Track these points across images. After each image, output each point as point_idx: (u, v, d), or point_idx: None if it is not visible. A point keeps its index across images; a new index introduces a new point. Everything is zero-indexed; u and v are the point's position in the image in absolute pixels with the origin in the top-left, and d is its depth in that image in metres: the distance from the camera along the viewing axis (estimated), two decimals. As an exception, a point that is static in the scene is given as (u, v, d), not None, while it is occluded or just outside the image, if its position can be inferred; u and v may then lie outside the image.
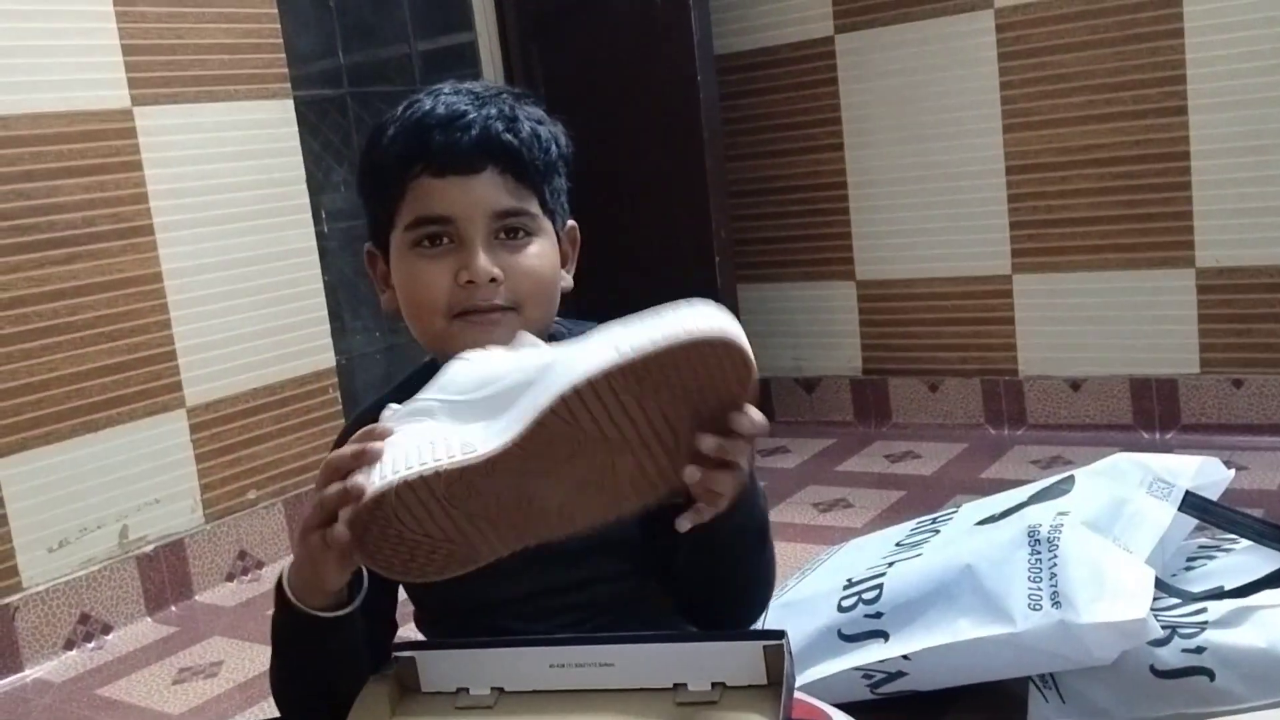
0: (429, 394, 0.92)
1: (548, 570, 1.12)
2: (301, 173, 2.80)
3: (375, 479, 0.86)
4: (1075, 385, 3.02)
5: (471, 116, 1.05)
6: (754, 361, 0.85)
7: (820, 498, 2.76)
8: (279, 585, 0.99)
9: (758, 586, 1.11)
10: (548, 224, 1.10)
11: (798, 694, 1.10)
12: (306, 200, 2.82)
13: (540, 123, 1.09)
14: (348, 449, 0.90)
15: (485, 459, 0.85)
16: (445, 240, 1.06)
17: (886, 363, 3.31)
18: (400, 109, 1.09)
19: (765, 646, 0.98)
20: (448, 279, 1.05)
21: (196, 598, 2.59)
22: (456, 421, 0.89)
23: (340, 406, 2.88)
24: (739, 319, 0.86)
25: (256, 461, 2.73)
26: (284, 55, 2.77)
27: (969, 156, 3.05)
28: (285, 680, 1.08)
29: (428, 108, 1.07)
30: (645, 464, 0.88)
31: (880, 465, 2.99)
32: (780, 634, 1.00)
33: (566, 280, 1.15)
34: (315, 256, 2.83)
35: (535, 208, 1.08)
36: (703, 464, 0.88)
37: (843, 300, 3.34)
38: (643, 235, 3.07)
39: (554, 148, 1.10)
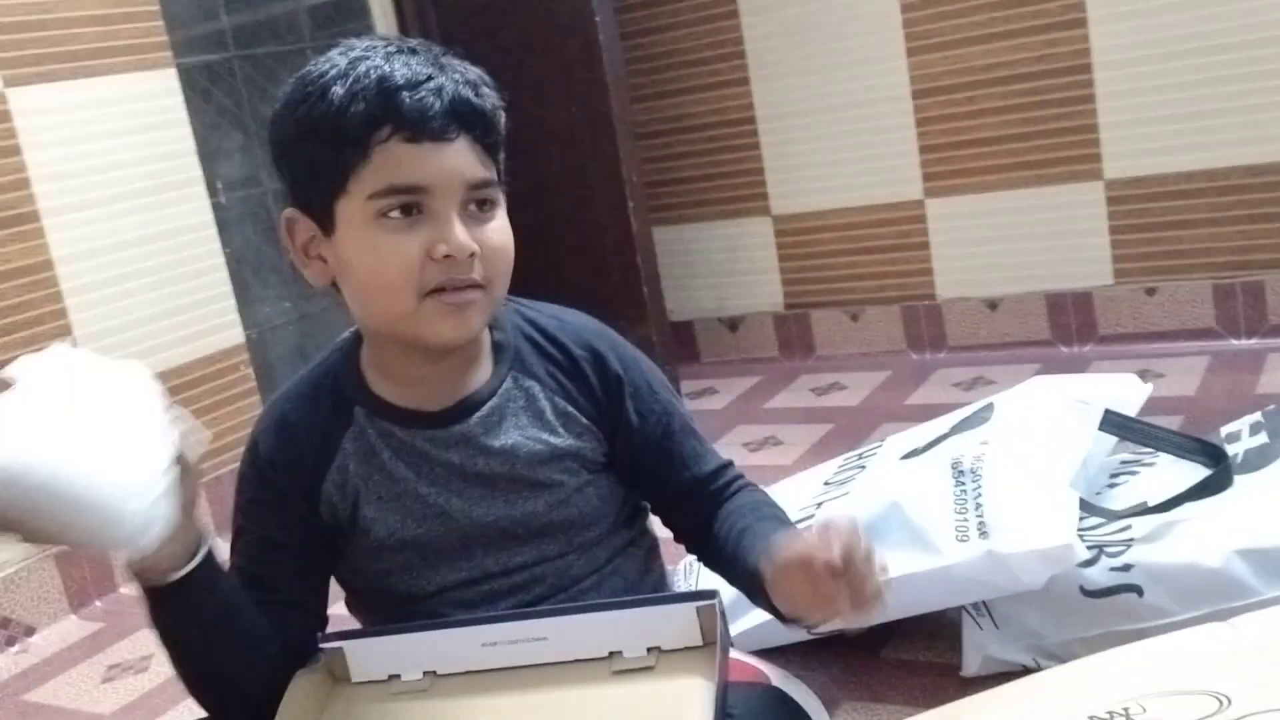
0: None
1: (488, 555, 1.09)
2: (191, 144, 2.70)
3: None
4: (993, 305, 3.04)
5: (440, 81, 1.00)
6: None
7: (750, 437, 2.76)
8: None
9: None
10: (502, 195, 1.07)
11: (733, 653, 1.09)
12: (199, 172, 2.71)
13: (489, 86, 1.06)
14: None
15: None
16: (415, 211, 1.00)
17: (807, 296, 3.30)
18: (338, 64, 1.00)
19: (698, 607, 0.98)
20: (419, 253, 0.99)
21: (121, 590, 2.52)
22: None
23: (254, 383, 2.80)
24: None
25: (171, 446, 2.65)
26: (161, 22, 2.65)
27: (875, 83, 3.03)
28: (181, 671, 1.04)
29: (384, 68, 0.99)
30: None
31: (807, 399, 3.00)
32: (713, 594, 0.98)
33: None
34: (213, 230, 2.74)
35: (496, 177, 1.06)
36: None
37: (760, 236, 3.31)
38: (553, 185, 3.01)
39: (503, 115, 1.07)
